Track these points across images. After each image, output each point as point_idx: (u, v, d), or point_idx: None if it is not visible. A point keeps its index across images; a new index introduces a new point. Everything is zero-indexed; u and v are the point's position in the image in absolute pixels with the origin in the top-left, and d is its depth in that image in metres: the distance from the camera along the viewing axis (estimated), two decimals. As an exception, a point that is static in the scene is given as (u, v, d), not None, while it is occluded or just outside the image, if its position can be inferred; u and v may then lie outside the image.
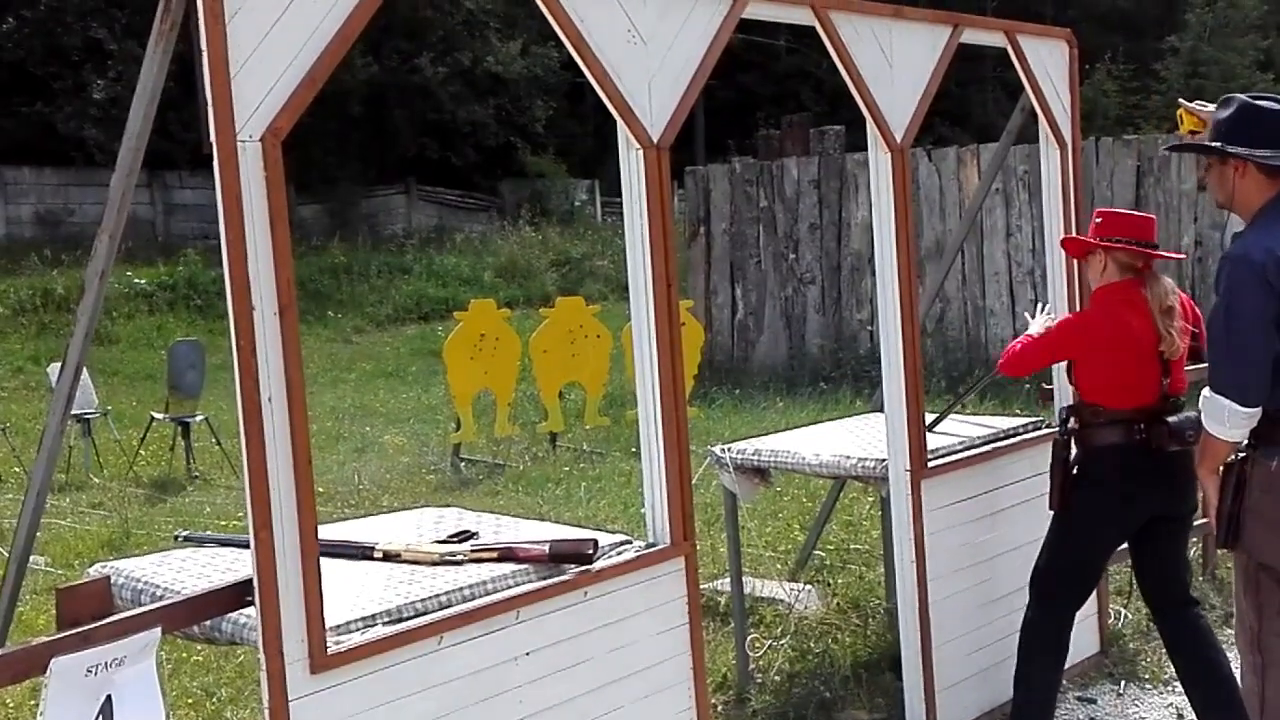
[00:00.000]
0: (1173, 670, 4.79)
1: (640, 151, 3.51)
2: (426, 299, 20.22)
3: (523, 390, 11.24)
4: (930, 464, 4.48)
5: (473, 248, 23.42)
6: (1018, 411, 8.60)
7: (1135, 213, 4.34)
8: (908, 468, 4.40)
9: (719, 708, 4.81)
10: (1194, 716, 4.44)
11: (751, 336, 13.90)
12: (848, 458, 4.83)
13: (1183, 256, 4.02)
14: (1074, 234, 4.95)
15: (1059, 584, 4.35)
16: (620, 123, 3.48)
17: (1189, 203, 11.85)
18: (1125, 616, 5.58)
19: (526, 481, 9.31)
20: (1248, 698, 3.54)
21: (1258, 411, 3.34)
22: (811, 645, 5.39)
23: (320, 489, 8.78)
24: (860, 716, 4.74)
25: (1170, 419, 4.16)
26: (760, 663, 5.20)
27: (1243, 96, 3.52)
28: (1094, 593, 5.14)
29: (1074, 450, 4.33)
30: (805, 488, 7.92)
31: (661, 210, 3.54)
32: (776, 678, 5.10)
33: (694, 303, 12.87)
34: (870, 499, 7.19)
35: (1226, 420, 3.36)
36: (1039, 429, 5.06)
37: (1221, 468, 3.48)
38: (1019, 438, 4.97)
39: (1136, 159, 12.11)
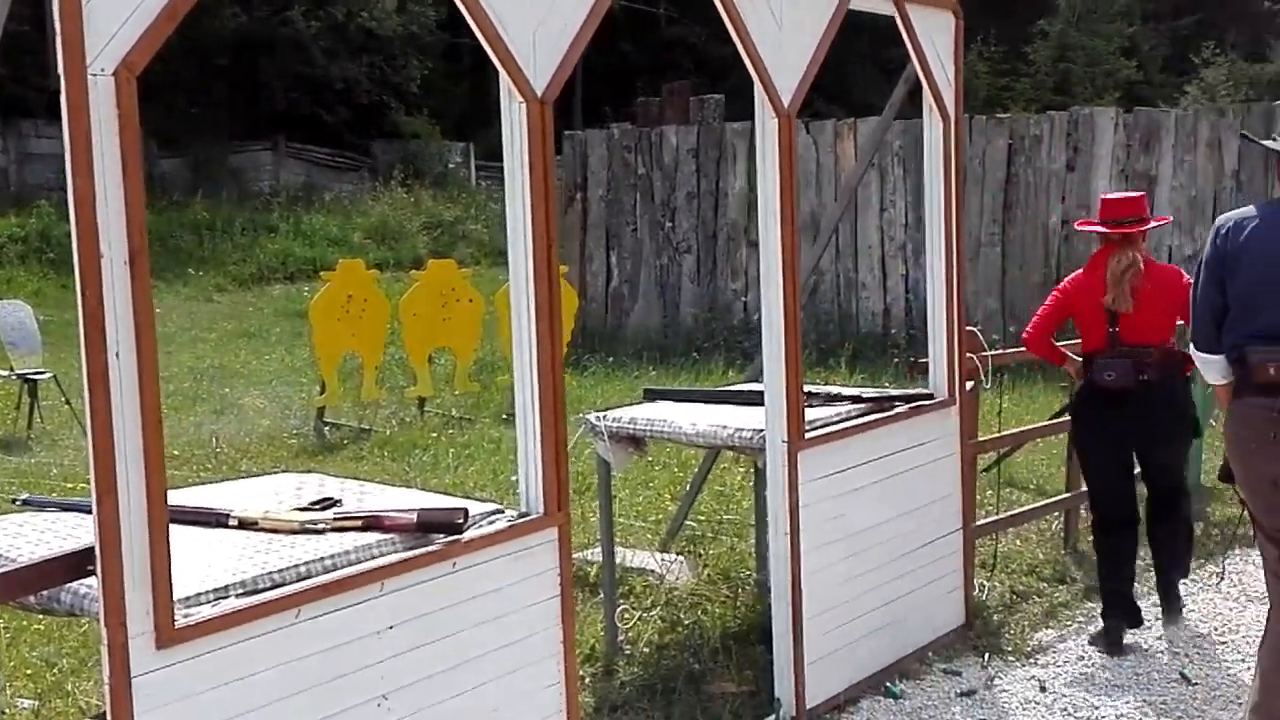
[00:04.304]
0: (1035, 643, 5.24)
1: (523, 104, 3.37)
2: (293, 258, 19.82)
3: (391, 354, 11.02)
4: (808, 435, 4.44)
5: (342, 208, 22.99)
6: (887, 385, 8.67)
7: (1120, 195, 5.19)
8: (785, 439, 4.35)
9: (586, 680, 4.73)
10: (1054, 688, 4.75)
11: (626, 304, 13.83)
12: (724, 428, 4.76)
13: (1166, 221, 5.15)
14: (956, 206, 5.16)
15: (1090, 496, 5.29)
16: (503, 74, 3.34)
17: (1057, 181, 12.16)
18: (990, 589, 5.65)
19: (393, 447, 9.11)
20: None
21: (1216, 359, 3.82)
22: (681, 616, 5.34)
23: (174, 451, 8.49)
24: (728, 688, 4.70)
25: (1097, 360, 4.95)
26: (629, 634, 5.13)
27: None
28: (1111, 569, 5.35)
29: None
30: (677, 457, 7.88)
31: (544, 166, 3.40)
32: (645, 649, 5.04)
33: (569, 268, 12.74)
34: (742, 469, 7.18)
35: (1199, 363, 3.94)
36: (916, 401, 5.06)
37: None
38: (895, 410, 4.94)
39: (1009, 137, 12.33)
